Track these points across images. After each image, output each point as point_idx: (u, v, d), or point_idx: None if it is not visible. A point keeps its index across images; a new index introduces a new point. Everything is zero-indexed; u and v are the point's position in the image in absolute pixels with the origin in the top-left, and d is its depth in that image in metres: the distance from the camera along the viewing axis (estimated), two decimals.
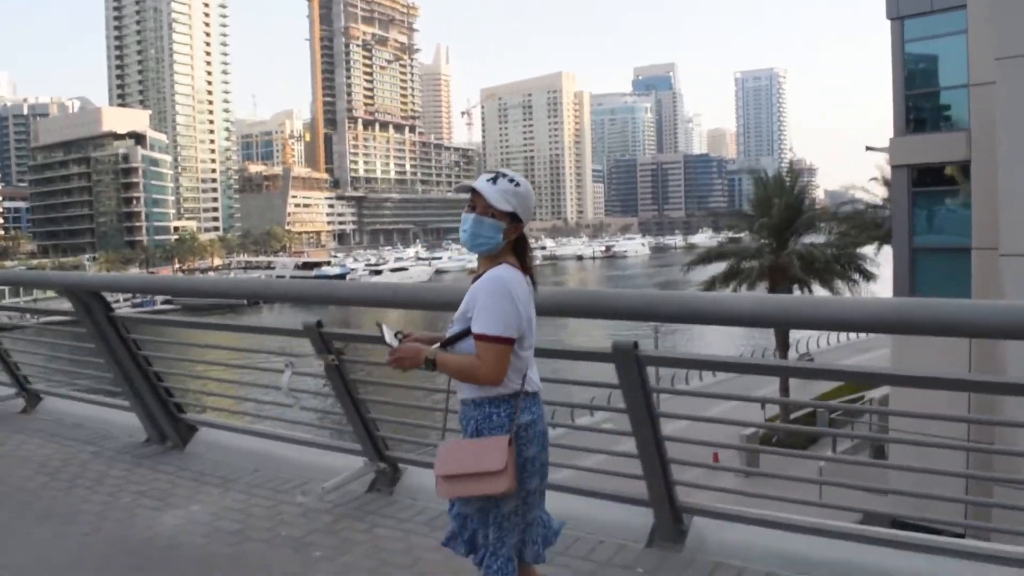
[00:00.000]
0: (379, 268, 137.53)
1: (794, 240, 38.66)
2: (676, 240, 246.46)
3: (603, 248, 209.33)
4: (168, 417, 6.37)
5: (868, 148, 29.89)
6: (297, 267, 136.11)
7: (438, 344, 2.98)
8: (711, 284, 37.63)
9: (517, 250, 3.04)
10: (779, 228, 37.44)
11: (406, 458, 5.37)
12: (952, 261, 24.00)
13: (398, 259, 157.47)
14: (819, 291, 37.23)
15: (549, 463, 3.11)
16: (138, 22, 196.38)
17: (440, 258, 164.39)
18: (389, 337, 2.98)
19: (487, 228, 2.95)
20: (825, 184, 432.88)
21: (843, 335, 53.75)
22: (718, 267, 41.46)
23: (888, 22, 24.54)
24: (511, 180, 2.97)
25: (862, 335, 51.54)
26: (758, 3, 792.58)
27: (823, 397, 32.40)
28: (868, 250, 40.65)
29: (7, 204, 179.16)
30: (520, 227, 3.00)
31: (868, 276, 39.52)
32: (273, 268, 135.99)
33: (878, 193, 51.90)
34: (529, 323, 2.96)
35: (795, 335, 43.52)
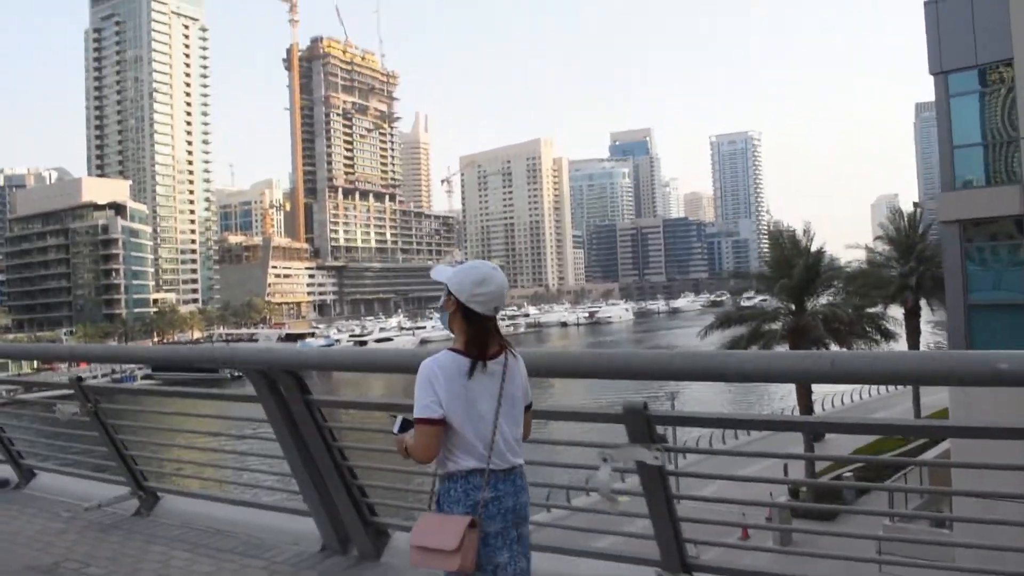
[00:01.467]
0: (364, 339, 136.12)
1: (811, 301, 38.05)
2: (659, 305, 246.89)
3: (587, 314, 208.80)
4: (359, 520, 5.02)
5: (915, 204, 29.26)
6: (280, 339, 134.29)
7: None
8: (733, 347, 36.72)
9: (469, 339, 3.13)
10: (799, 289, 36.85)
11: (709, 567, 4.10)
12: (1010, 317, 23.28)
13: (382, 329, 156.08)
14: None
15: (527, 538, 3.20)
16: (119, 91, 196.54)
17: (424, 327, 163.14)
18: (396, 429, 3.22)
19: (440, 301, 3.24)
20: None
21: (859, 393, 53.03)
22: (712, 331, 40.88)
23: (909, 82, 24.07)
24: (463, 261, 3.22)
25: (882, 392, 50.88)
26: (731, 70, 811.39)
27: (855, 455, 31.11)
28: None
29: None
30: (452, 300, 3.14)
31: (888, 335, 38.98)
32: (256, 340, 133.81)
33: (867, 249, 51.93)
34: (469, 404, 3.06)
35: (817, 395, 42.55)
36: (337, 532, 5.13)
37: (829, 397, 51.81)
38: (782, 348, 36.59)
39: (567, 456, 4.58)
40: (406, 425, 3.20)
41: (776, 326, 37.07)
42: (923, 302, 41.67)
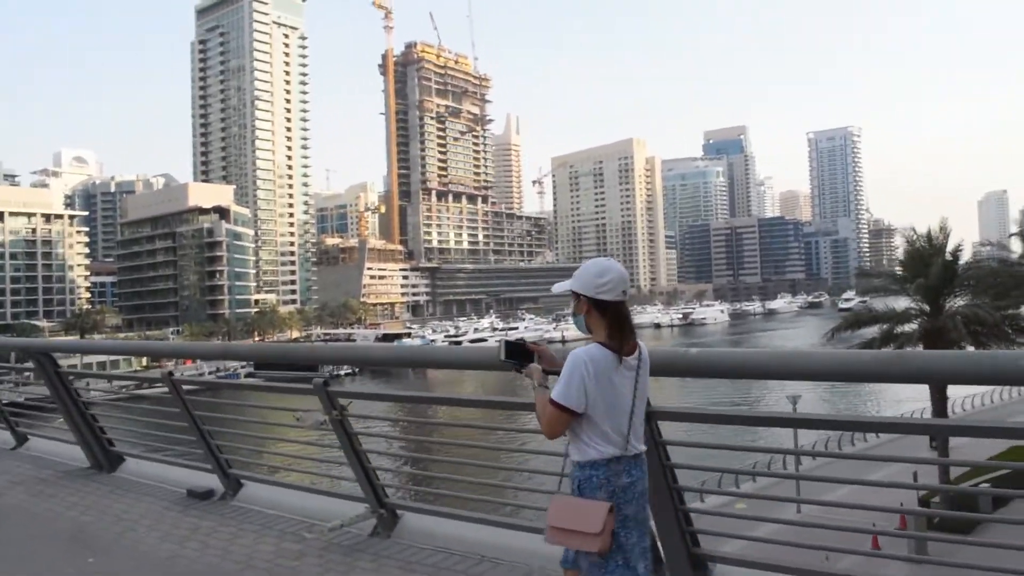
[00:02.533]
0: (459, 339, 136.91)
1: (947, 301, 35.97)
2: (755, 306, 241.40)
3: (680, 315, 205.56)
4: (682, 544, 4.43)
5: None
6: (377, 339, 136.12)
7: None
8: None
9: (610, 327, 3.37)
10: (936, 289, 34.91)
11: None
12: None
13: (476, 330, 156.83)
14: None
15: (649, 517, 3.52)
16: (222, 100, 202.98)
17: (517, 328, 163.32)
18: (502, 355, 3.53)
19: (571, 309, 3.52)
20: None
21: (999, 393, 50.71)
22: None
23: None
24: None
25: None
26: (828, 65, 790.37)
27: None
28: None
29: (94, 279, 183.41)
30: (583, 301, 3.39)
31: None
32: (354, 340, 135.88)
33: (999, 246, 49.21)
34: (611, 395, 3.31)
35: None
36: None
37: (960, 400, 49.08)
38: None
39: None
40: (511, 351, 3.50)
41: (909, 328, 35.22)
42: None
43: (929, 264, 34.83)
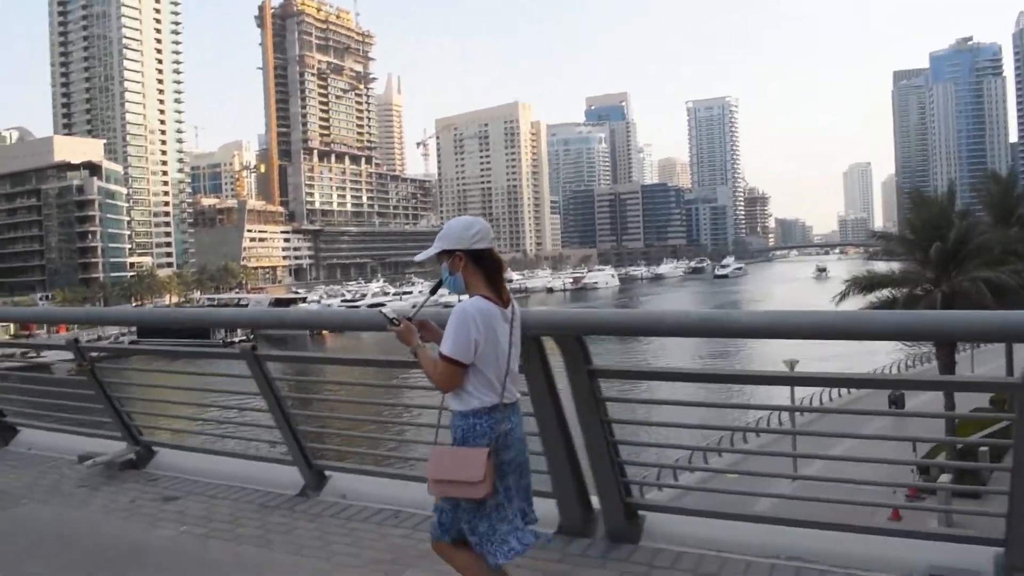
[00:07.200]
0: (356, 304, 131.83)
1: (955, 269, 34.49)
2: (641, 271, 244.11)
3: (571, 280, 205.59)
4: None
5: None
6: (271, 304, 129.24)
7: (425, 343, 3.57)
8: None
9: (488, 275, 3.46)
10: (950, 255, 33.50)
11: None
12: None
13: (374, 295, 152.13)
14: None
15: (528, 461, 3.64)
16: (85, 48, 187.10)
17: (411, 292, 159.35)
18: (389, 311, 3.56)
19: (443, 272, 3.52)
20: (776, 212, 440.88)
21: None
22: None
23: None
24: (438, 225, 3.50)
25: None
26: (710, 37, 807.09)
27: None
28: None
29: None
30: (457, 256, 3.45)
31: None
32: (246, 305, 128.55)
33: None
34: (495, 345, 3.41)
35: None
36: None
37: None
38: None
39: None
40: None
41: (921, 293, 33.74)
42: None
43: (941, 228, 33.46)
